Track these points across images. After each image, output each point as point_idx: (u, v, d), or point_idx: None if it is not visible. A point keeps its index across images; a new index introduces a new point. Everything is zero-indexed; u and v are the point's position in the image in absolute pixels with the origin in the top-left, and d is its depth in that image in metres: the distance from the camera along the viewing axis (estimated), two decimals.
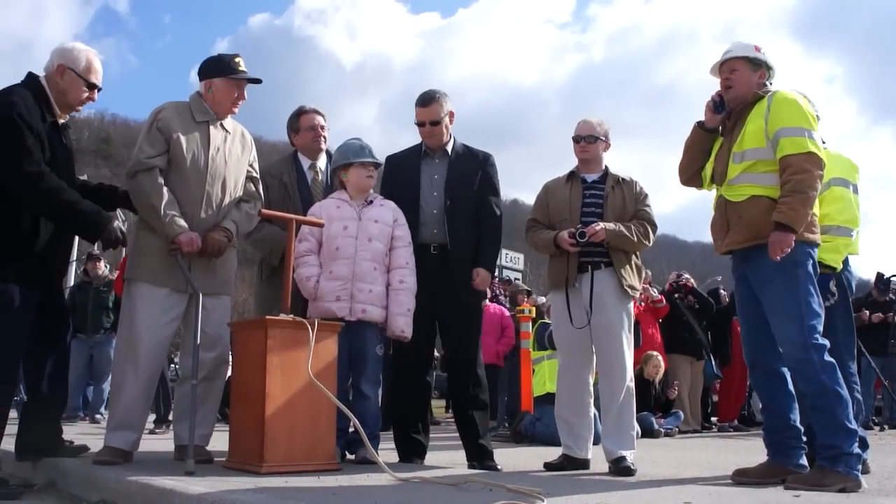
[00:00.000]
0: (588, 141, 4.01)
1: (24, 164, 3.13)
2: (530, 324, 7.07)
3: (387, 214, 3.81)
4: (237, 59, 3.66)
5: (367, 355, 3.68)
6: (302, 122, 4.18)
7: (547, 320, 6.58)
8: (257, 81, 3.69)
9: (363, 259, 3.68)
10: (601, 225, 3.81)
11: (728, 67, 3.45)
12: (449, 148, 4.07)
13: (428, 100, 4.00)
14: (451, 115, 4.06)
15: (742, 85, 3.43)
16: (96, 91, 3.48)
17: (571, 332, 3.91)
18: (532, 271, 28.18)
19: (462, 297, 3.92)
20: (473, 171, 4.04)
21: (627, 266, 3.93)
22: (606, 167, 4.08)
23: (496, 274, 13.07)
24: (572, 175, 4.08)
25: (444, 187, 3.99)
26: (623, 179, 4.02)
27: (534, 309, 7.34)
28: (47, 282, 3.41)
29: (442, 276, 3.90)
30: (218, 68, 3.65)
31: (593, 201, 3.98)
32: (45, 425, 3.51)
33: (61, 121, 3.45)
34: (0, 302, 3.18)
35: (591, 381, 4.07)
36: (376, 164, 3.84)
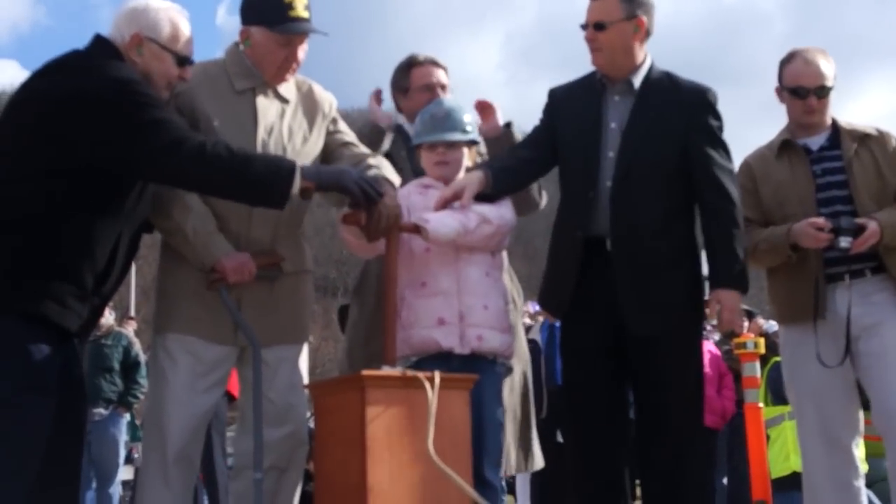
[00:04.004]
0: (819, 95, 3.85)
1: (188, 150, 2.95)
2: (757, 364, 6.44)
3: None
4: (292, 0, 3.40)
5: (486, 421, 3.43)
6: (413, 79, 4.09)
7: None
8: (321, 34, 3.47)
9: (469, 263, 3.44)
10: (873, 223, 3.61)
11: None
12: (637, 79, 3.59)
13: None
14: (640, 22, 3.54)
15: None
16: (189, 68, 3.25)
17: (822, 375, 3.72)
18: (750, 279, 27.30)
19: (646, 324, 3.49)
20: (674, 117, 3.54)
21: None
22: (834, 121, 3.94)
23: None
24: (787, 144, 3.93)
25: (619, 144, 3.55)
26: (867, 135, 3.90)
27: (761, 341, 6.68)
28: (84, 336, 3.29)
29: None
30: (258, 12, 3.40)
31: (830, 180, 3.85)
32: None
33: None
34: (40, 375, 2.91)
35: (860, 452, 3.91)
36: (449, 143, 3.53)
